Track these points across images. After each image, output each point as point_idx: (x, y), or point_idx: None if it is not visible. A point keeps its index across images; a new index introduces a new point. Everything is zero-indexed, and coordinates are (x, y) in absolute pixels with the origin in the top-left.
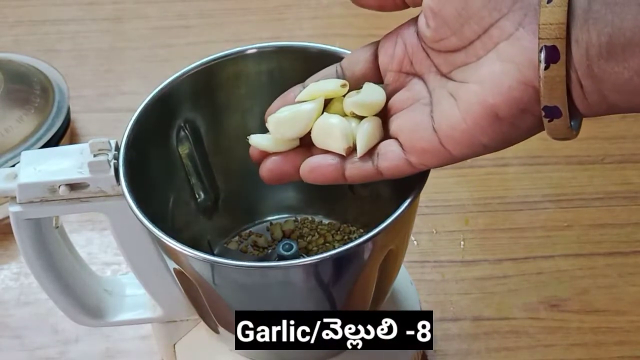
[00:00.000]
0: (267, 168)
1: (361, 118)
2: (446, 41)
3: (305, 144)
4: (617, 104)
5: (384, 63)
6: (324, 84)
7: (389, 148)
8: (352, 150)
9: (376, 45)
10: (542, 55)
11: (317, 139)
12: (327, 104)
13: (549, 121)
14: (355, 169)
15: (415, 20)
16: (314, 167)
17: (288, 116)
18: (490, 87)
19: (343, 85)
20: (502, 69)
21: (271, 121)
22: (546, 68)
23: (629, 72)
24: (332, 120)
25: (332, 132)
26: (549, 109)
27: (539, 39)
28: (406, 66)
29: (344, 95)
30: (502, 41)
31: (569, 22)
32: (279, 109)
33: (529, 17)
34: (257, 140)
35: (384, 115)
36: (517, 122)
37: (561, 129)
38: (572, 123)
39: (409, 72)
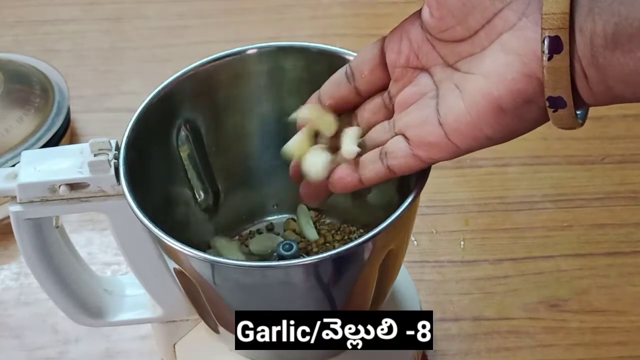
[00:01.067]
0: (302, 193)
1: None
2: (451, 31)
3: None
4: (622, 95)
5: (391, 60)
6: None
7: (396, 146)
8: (359, 155)
9: (382, 42)
10: (545, 45)
11: (308, 175)
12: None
13: (553, 111)
14: (369, 172)
15: (418, 14)
16: (335, 182)
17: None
18: (494, 79)
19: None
20: (505, 60)
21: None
22: (549, 59)
23: (635, 62)
24: (310, 159)
25: (313, 165)
26: (553, 100)
27: (542, 29)
28: (413, 61)
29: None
30: (505, 31)
31: (573, 11)
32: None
33: (532, 6)
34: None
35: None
36: (522, 114)
37: (566, 119)
38: (577, 112)
39: (416, 67)
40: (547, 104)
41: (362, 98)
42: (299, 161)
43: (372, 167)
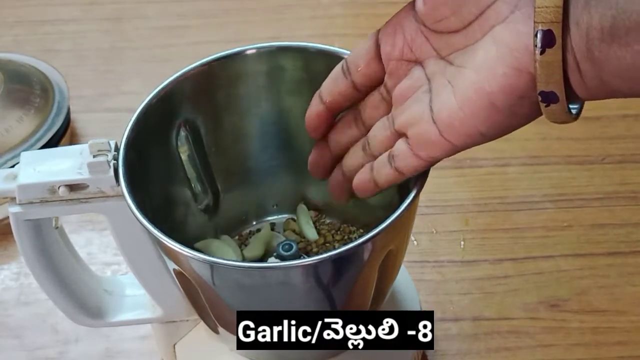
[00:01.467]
0: (330, 189)
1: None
2: (445, 21)
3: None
4: (619, 90)
5: (386, 52)
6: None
7: (399, 148)
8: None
9: (377, 35)
10: (538, 39)
11: None
12: None
13: (546, 106)
14: (382, 177)
15: (412, 5)
16: (356, 187)
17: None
18: (485, 73)
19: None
20: (497, 54)
21: None
22: (542, 53)
23: (632, 56)
24: None
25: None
26: (546, 94)
27: (535, 22)
28: (407, 53)
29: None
30: (497, 24)
31: (568, 4)
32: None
33: None
34: None
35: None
36: (515, 110)
37: (559, 114)
38: (571, 107)
39: (409, 60)
40: (539, 98)
41: (359, 93)
42: (314, 157)
43: (383, 171)
